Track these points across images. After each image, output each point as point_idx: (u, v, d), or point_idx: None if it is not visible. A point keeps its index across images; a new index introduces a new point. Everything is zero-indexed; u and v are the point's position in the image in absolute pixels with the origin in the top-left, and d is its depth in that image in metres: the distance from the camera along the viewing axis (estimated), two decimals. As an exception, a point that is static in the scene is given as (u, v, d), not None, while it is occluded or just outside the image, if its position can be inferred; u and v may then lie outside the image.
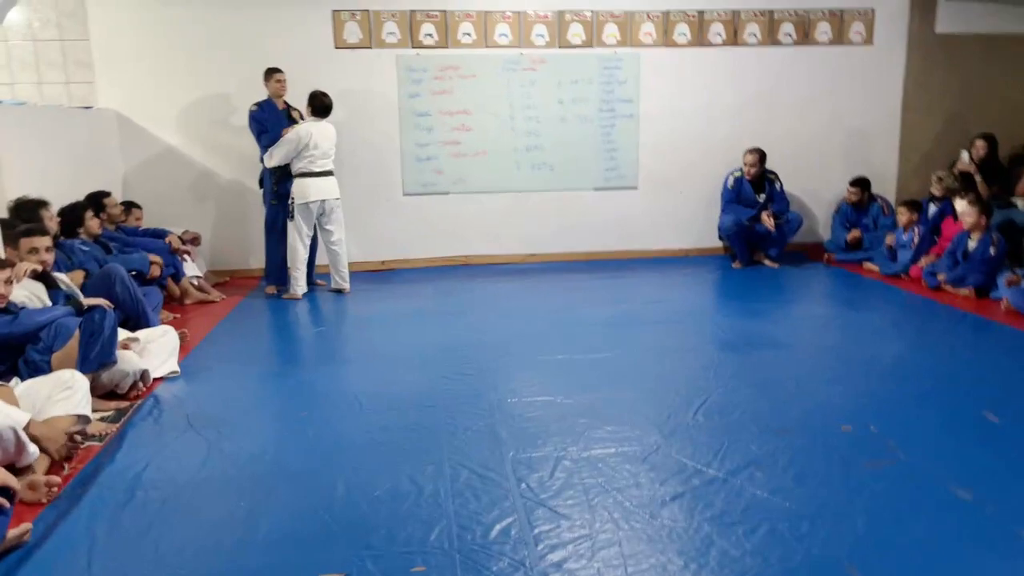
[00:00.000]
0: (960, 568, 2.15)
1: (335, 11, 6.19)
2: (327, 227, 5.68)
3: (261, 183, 5.89)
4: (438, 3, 6.31)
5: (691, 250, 7.03)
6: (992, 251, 5.26)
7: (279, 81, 5.67)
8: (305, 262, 5.70)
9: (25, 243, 3.65)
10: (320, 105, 5.52)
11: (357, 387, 3.69)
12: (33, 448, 2.59)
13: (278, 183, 5.66)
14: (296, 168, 5.48)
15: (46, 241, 3.74)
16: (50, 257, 3.76)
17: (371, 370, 3.99)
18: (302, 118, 5.69)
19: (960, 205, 5.53)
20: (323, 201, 5.57)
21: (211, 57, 6.11)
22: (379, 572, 2.16)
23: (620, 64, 6.65)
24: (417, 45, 6.36)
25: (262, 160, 5.67)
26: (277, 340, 4.74)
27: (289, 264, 5.67)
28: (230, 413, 3.39)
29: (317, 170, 5.51)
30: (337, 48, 6.25)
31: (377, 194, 6.53)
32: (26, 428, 2.65)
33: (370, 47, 6.29)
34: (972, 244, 5.39)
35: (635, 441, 3.03)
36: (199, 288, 5.63)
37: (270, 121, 5.61)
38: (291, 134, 5.42)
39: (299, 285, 5.65)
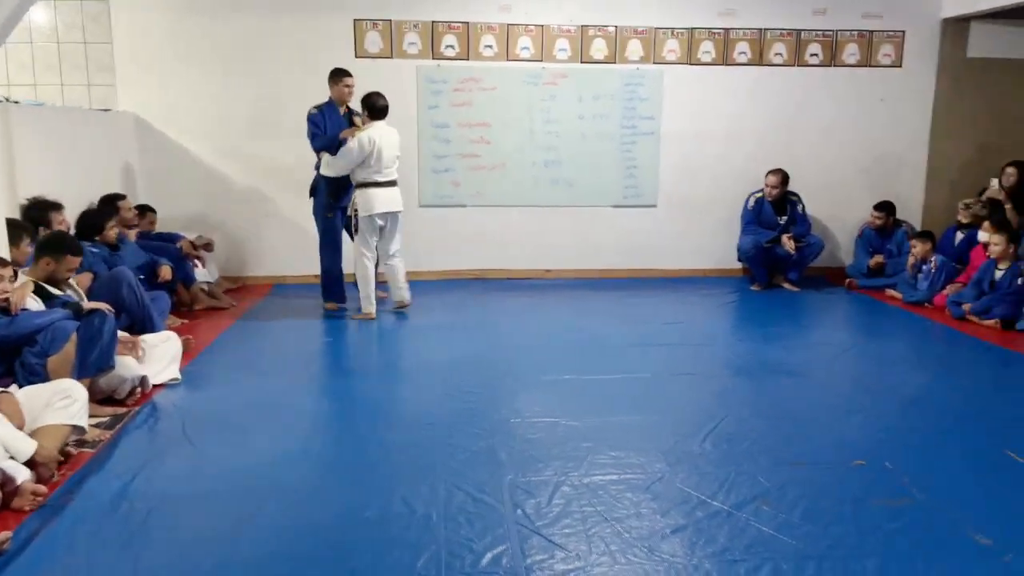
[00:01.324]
0: (976, 621, 2.02)
1: (356, 20, 6.19)
2: (386, 241, 5.27)
3: (313, 192, 5.38)
4: (461, 15, 6.28)
5: (709, 271, 6.91)
6: (1020, 282, 5.09)
7: (347, 86, 5.19)
8: (374, 278, 5.26)
9: (72, 260, 3.59)
10: (377, 106, 5.06)
11: (358, 402, 3.63)
12: (23, 479, 2.55)
13: (335, 194, 5.23)
14: (358, 178, 5.06)
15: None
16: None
17: (373, 384, 3.92)
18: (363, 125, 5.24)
19: (985, 234, 5.38)
20: (388, 214, 5.15)
21: (231, 64, 6.12)
22: (361, 599, 2.08)
23: (643, 80, 6.57)
24: (438, 56, 6.32)
25: (317, 167, 5.25)
26: (282, 350, 4.68)
27: (359, 282, 5.20)
28: (227, 424, 3.34)
29: (382, 180, 5.07)
30: (357, 57, 6.23)
31: (393, 205, 6.49)
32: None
33: (391, 57, 6.27)
34: (999, 274, 5.23)
35: (639, 468, 2.92)
36: (210, 294, 5.60)
37: (330, 126, 5.16)
38: (353, 142, 4.95)
39: (371, 303, 5.21)
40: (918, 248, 5.89)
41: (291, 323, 5.23)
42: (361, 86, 6.21)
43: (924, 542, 2.39)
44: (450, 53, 6.33)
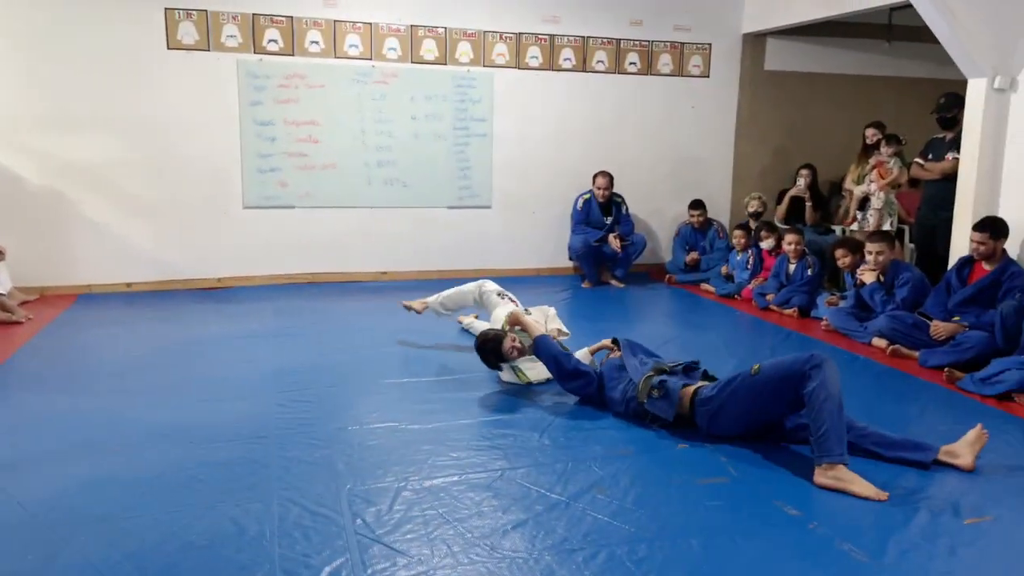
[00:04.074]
0: (787, 584, 2.20)
1: (168, 8, 5.76)
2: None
3: None
4: (284, 8, 6.04)
5: (543, 269, 7.11)
6: (810, 272, 5.68)
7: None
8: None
9: None
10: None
11: (177, 418, 3.36)
12: None
13: None
14: None
15: None
16: None
17: (194, 399, 3.65)
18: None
19: (767, 243, 6.12)
20: None
21: (24, 51, 5.50)
22: (187, 631, 1.92)
23: (473, 83, 6.63)
24: (260, 51, 6.04)
25: None
26: (88, 367, 4.26)
27: (453, 294, 4.83)
28: (23, 451, 2.99)
29: None
30: (170, 48, 5.81)
31: (214, 206, 6.12)
32: None
33: (207, 50, 5.90)
34: (792, 268, 5.79)
35: (480, 467, 2.93)
36: (1, 307, 5.00)
37: None
38: None
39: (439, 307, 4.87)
40: (742, 240, 6.40)
41: (98, 336, 4.78)
42: (175, 79, 5.85)
43: (741, 516, 2.59)
44: (273, 48, 6.07)
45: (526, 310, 4.32)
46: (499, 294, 4.64)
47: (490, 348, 3.84)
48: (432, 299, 4.85)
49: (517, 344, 3.79)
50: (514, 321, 3.84)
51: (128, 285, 6.00)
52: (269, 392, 3.72)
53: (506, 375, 3.95)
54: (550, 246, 7.05)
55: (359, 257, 6.61)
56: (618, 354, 3.66)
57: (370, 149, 6.48)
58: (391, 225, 6.63)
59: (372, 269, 6.66)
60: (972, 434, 2.99)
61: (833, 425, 2.77)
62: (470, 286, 4.79)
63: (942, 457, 2.97)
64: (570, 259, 7.00)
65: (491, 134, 6.76)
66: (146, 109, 5.81)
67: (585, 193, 6.78)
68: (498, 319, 4.40)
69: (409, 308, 4.86)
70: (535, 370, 3.89)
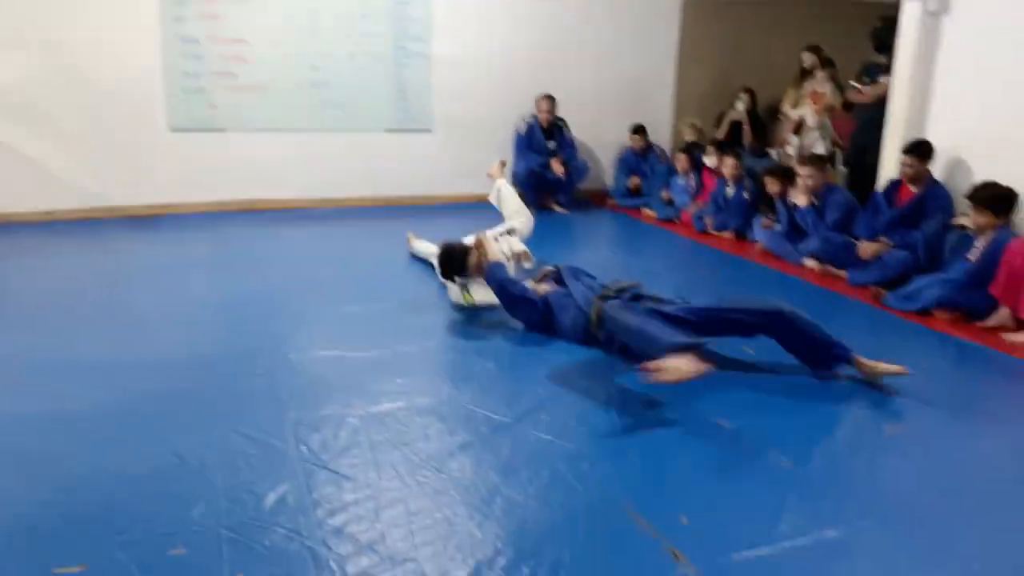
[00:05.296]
0: (723, 492, 2.30)
1: (76, -87, 5.33)
2: None
3: None
4: (204, -85, 5.64)
5: (486, 196, 7.01)
6: (746, 195, 5.77)
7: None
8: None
9: None
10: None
11: (113, 351, 3.27)
12: None
13: None
14: None
15: None
16: None
17: (131, 331, 3.54)
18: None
19: (711, 158, 6.05)
20: None
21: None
22: (130, 560, 1.91)
23: (412, 1, 6.37)
24: (181, -38, 5.66)
25: None
26: (12, 301, 4.08)
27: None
28: (-54, 387, 2.87)
29: None
30: (80, -43, 5.40)
31: (137, 129, 5.82)
32: None
33: (123, -40, 5.50)
34: (730, 192, 5.87)
35: (426, 393, 2.95)
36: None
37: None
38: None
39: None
40: (683, 163, 6.41)
41: (18, 267, 4.57)
42: (88, -8, 5.45)
43: (677, 431, 2.67)
44: (195, -41, 5.69)
45: (495, 237, 4.29)
46: (508, 230, 4.62)
47: (457, 257, 3.82)
48: (504, 182, 5.00)
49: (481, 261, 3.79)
50: (478, 244, 3.82)
51: (48, 214, 5.72)
52: (208, 323, 3.64)
53: (453, 293, 3.94)
54: (492, 171, 6.95)
55: (297, 183, 6.42)
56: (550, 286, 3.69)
57: (303, 69, 6.21)
58: (328, 149, 6.44)
59: (310, 196, 6.48)
60: (891, 367, 3.06)
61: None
62: (525, 210, 4.86)
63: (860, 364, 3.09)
64: (513, 184, 6.92)
65: (430, 55, 6.54)
66: (59, 24, 5.42)
67: (527, 117, 6.67)
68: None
69: (493, 170, 5.08)
70: (481, 293, 3.89)
